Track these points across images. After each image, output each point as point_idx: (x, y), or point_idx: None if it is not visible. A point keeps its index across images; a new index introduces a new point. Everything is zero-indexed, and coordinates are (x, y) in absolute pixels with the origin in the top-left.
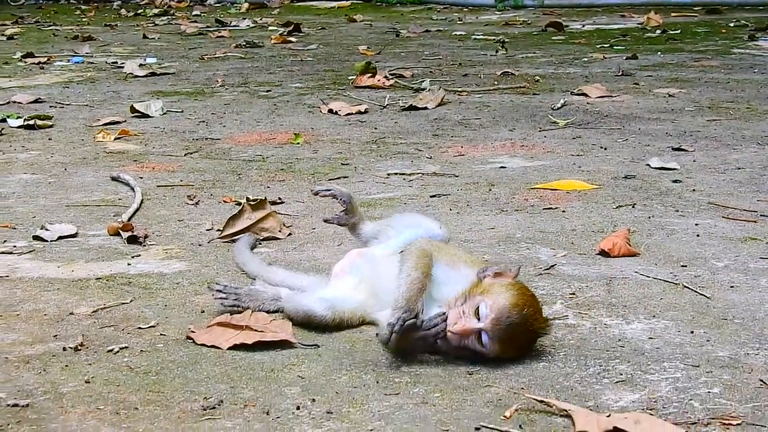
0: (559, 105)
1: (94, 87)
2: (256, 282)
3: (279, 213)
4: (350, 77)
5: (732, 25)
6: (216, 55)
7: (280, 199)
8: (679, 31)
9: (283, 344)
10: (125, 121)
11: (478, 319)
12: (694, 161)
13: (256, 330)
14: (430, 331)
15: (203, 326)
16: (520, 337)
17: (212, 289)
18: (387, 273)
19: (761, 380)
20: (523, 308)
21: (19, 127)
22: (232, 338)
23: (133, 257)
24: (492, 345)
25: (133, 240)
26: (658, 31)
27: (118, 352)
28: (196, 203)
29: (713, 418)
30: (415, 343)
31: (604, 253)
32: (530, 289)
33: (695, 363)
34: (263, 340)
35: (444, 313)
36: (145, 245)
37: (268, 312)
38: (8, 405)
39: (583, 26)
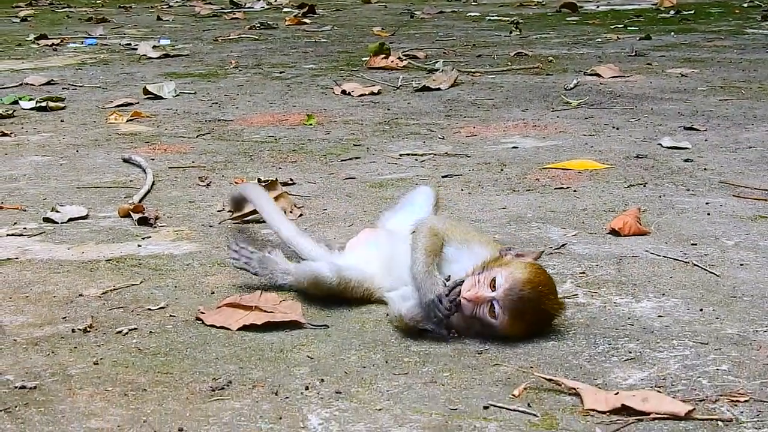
0: (572, 85)
1: (108, 69)
2: (274, 252)
3: (290, 194)
4: (364, 58)
5: (746, 5)
6: (230, 37)
7: (291, 180)
8: (692, 12)
9: (293, 325)
10: (138, 102)
11: (493, 290)
12: (705, 140)
13: (265, 311)
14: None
15: (213, 307)
16: (532, 314)
17: (229, 246)
18: (400, 250)
19: None
20: (538, 285)
21: (31, 109)
22: (241, 319)
23: (143, 239)
24: (503, 317)
25: (143, 221)
26: (672, 12)
27: (127, 333)
28: (208, 185)
29: (721, 395)
30: (428, 316)
31: (614, 232)
32: (548, 272)
33: (704, 341)
34: (273, 321)
35: (461, 280)
36: (155, 227)
37: (275, 285)
38: (16, 387)
39: (598, 7)
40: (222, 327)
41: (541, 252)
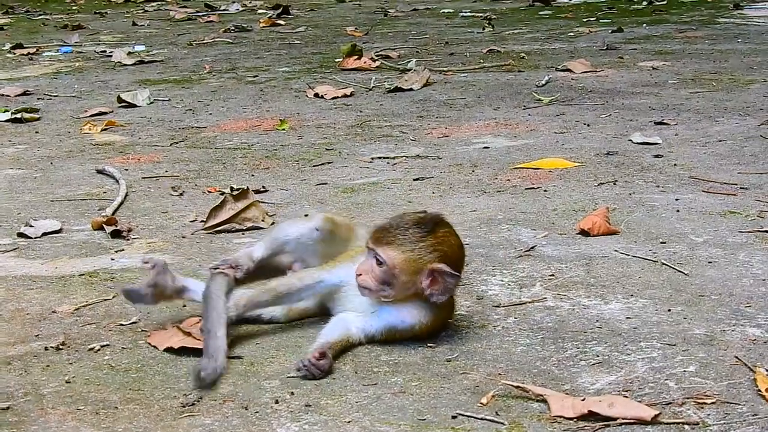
0: (543, 82)
1: (83, 77)
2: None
3: (262, 202)
4: (337, 59)
5: None
6: (204, 41)
7: (264, 187)
8: (665, 2)
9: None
10: (112, 111)
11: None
12: (676, 135)
13: (195, 337)
14: None
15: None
16: None
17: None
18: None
19: (736, 357)
20: None
21: (5, 120)
22: (170, 341)
23: (116, 252)
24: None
25: (116, 234)
26: (645, 3)
27: (99, 350)
28: (181, 194)
29: (688, 398)
30: None
31: (584, 233)
32: None
33: (671, 342)
34: (187, 346)
35: None
36: (128, 239)
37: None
38: None
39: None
40: (154, 347)
41: None
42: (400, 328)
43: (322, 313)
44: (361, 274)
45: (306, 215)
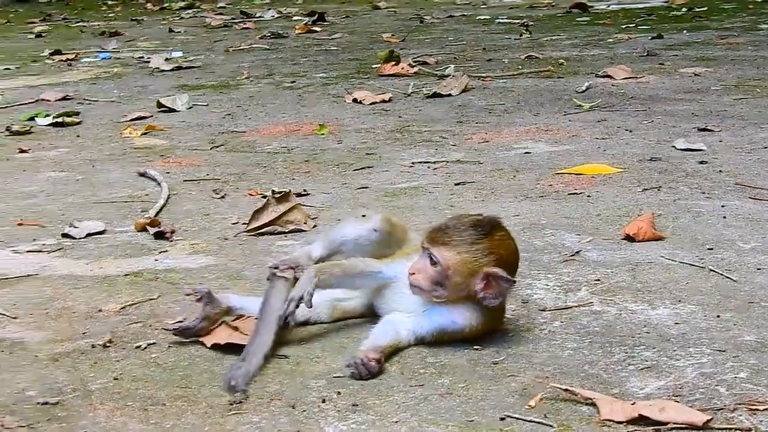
0: (583, 88)
1: (121, 83)
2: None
3: (304, 205)
4: (374, 66)
5: (759, 0)
6: (241, 47)
7: (305, 190)
8: (705, 9)
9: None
10: (152, 116)
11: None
12: (720, 141)
13: (242, 333)
14: None
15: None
16: None
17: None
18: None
19: None
20: None
21: (47, 125)
22: (218, 337)
23: (160, 253)
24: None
25: (160, 236)
26: (684, 9)
27: (146, 348)
28: (222, 197)
29: (740, 404)
30: None
31: (629, 238)
32: None
33: (721, 348)
34: (233, 343)
35: None
36: (172, 240)
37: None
38: (38, 403)
39: (608, 6)
40: (202, 343)
41: None
42: (450, 330)
43: (369, 315)
44: (414, 273)
45: (363, 215)
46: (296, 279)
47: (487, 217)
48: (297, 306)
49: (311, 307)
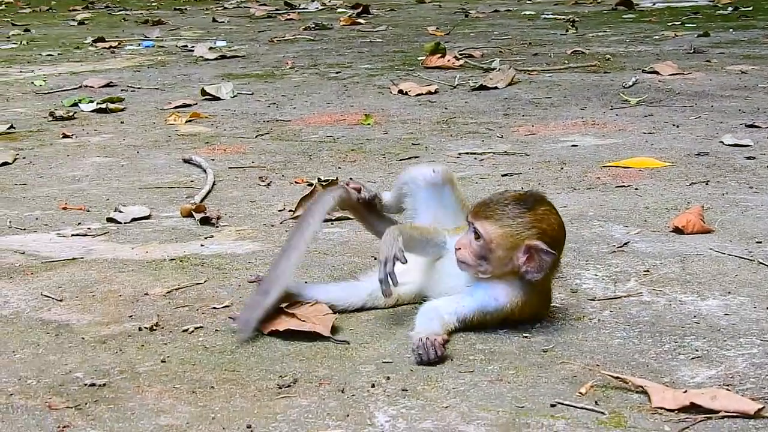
0: (630, 83)
1: (165, 70)
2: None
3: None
4: (420, 58)
5: None
6: (285, 38)
7: (351, 179)
8: (751, 8)
9: (314, 336)
10: (196, 104)
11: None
12: (767, 138)
13: (300, 319)
14: None
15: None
16: None
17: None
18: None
19: None
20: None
21: (91, 111)
22: (276, 324)
23: (206, 238)
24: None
25: (205, 221)
26: (730, 8)
27: (193, 331)
28: (268, 184)
29: None
30: None
31: (677, 230)
32: None
33: None
34: (293, 329)
35: None
36: (217, 226)
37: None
38: (86, 384)
39: (654, 4)
40: (259, 330)
41: None
42: (493, 308)
43: (420, 301)
44: (459, 248)
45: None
46: (358, 200)
47: (531, 191)
48: (393, 264)
49: (406, 262)
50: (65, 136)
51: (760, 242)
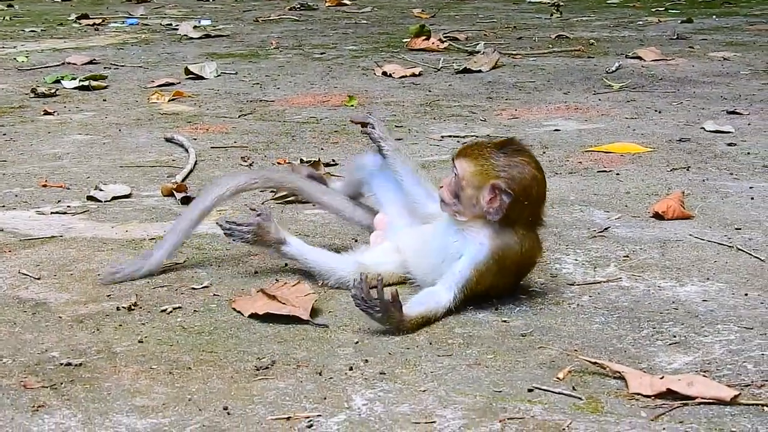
0: (613, 68)
1: (149, 48)
2: (267, 220)
3: (333, 175)
4: (404, 40)
5: None
6: (270, 18)
7: (333, 161)
8: None
9: (295, 320)
10: (179, 82)
11: None
12: (748, 125)
13: (280, 302)
14: None
15: (252, 290)
16: None
17: (220, 225)
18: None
19: None
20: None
21: (74, 88)
22: (256, 306)
23: None
24: None
25: (186, 201)
26: None
27: (171, 312)
28: (250, 165)
29: (767, 380)
30: None
31: (658, 216)
32: None
33: (749, 325)
34: (273, 313)
35: None
36: None
37: (269, 246)
38: (62, 364)
39: None
40: (239, 312)
41: None
42: (483, 255)
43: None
44: (442, 187)
45: None
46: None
47: (515, 140)
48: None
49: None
50: (47, 113)
51: (740, 229)
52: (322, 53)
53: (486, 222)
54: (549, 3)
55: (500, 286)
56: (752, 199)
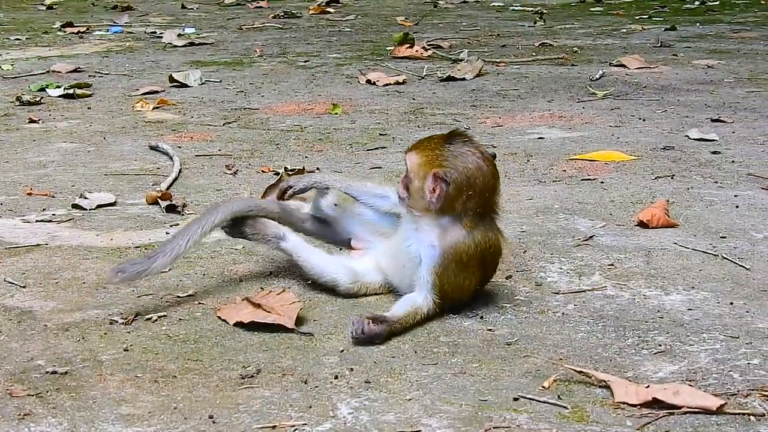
0: (597, 76)
1: (133, 57)
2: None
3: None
4: (388, 48)
5: None
6: (254, 26)
7: (318, 169)
8: (717, 3)
9: (279, 328)
10: (164, 90)
11: None
12: (733, 132)
13: (265, 310)
14: None
15: (237, 298)
16: None
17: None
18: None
19: None
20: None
21: (58, 96)
22: (241, 314)
23: (171, 226)
24: None
25: (171, 209)
26: (697, 2)
27: (156, 320)
28: (235, 173)
29: (753, 389)
30: None
31: (642, 224)
32: None
33: (734, 334)
34: (258, 321)
35: None
36: (183, 214)
37: (268, 242)
38: (47, 372)
39: None
40: (224, 320)
41: None
42: (438, 258)
43: (386, 292)
44: (399, 182)
45: None
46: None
47: (461, 131)
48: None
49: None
50: (32, 121)
51: (724, 237)
52: (306, 61)
53: (436, 216)
54: (533, 11)
55: (472, 282)
56: (737, 207)
